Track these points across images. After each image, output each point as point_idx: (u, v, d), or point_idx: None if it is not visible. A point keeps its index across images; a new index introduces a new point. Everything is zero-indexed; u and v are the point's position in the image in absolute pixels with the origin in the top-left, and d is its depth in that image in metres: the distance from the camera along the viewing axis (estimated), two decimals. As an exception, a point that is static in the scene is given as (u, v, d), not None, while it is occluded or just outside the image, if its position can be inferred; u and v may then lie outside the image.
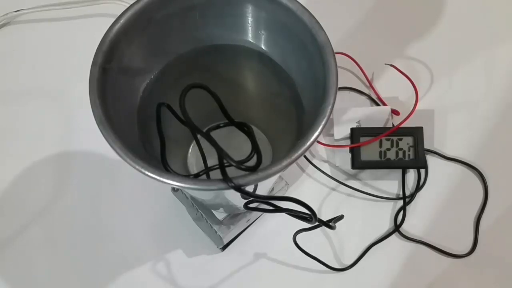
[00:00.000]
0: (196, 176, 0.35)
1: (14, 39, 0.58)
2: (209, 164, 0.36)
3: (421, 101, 0.53)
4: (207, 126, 0.32)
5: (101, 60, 0.31)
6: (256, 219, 0.49)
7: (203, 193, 0.39)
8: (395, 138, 0.50)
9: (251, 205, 0.31)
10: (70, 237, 0.50)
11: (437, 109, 0.54)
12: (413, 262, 0.48)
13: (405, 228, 0.49)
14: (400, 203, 0.50)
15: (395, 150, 0.50)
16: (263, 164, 0.28)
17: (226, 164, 0.28)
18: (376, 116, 0.52)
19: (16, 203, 0.51)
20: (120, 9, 0.32)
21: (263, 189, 0.40)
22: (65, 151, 0.53)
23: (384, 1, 0.59)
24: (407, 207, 0.50)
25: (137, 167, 0.27)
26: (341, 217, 0.36)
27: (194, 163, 0.48)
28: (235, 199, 0.36)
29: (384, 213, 0.50)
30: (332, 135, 0.52)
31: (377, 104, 0.54)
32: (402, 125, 0.49)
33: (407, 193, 0.50)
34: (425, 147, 0.50)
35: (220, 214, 0.46)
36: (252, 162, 0.28)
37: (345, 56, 0.54)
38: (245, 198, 0.29)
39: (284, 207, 0.30)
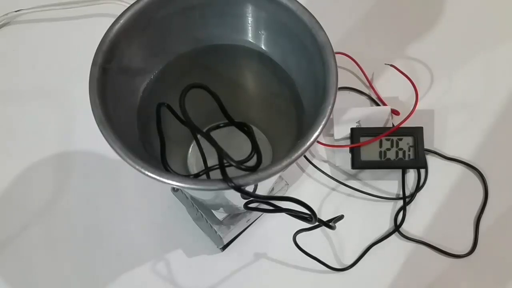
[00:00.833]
0: (196, 176, 0.35)
1: (14, 39, 0.58)
2: (209, 164, 0.36)
3: (421, 101, 0.53)
4: (207, 126, 0.32)
5: (101, 60, 0.31)
6: (256, 219, 0.49)
7: (203, 193, 0.39)
8: (395, 138, 0.50)
9: (251, 205, 0.31)
10: (70, 237, 0.50)
11: (437, 109, 0.54)
12: (413, 262, 0.48)
13: (405, 228, 0.49)
14: (400, 203, 0.50)
15: (395, 150, 0.50)
16: (263, 164, 0.28)
17: (226, 164, 0.28)
18: (376, 116, 0.52)
19: (16, 203, 0.51)
20: (120, 9, 0.32)
21: (263, 189, 0.40)
22: (65, 151, 0.53)
23: (384, 1, 0.59)
24: (407, 207, 0.50)
25: (137, 167, 0.27)
26: (341, 217, 0.36)
27: (194, 163, 0.48)
28: (235, 199, 0.36)
29: (384, 213, 0.50)
30: (332, 135, 0.52)
31: (377, 104, 0.54)
32: (402, 125, 0.49)
33: (407, 193, 0.50)
34: (425, 147, 0.50)
35: (220, 214, 0.46)
36: (252, 162, 0.28)
37: (345, 56, 0.54)
38: (245, 198, 0.29)
39: (284, 207, 0.30)
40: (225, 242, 0.47)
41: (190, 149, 0.49)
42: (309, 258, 0.46)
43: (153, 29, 0.34)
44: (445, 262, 0.48)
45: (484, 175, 0.51)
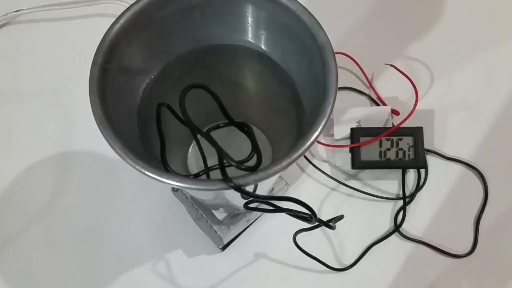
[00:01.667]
0: (196, 176, 0.35)
1: (14, 39, 0.58)
2: (209, 164, 0.36)
3: (421, 101, 0.53)
4: (207, 126, 0.32)
5: (101, 60, 0.31)
6: (256, 219, 0.49)
7: (203, 193, 0.39)
8: (395, 138, 0.50)
9: (251, 205, 0.31)
10: (70, 237, 0.50)
11: (437, 109, 0.54)
12: (413, 262, 0.48)
13: (405, 228, 0.49)
14: (400, 203, 0.50)
15: (395, 150, 0.50)
16: (263, 164, 0.28)
17: (226, 164, 0.28)
18: (376, 116, 0.52)
19: (16, 203, 0.51)
20: (120, 9, 0.32)
21: (263, 189, 0.40)
22: (65, 151, 0.53)
23: (384, 1, 0.59)
24: (407, 207, 0.50)
25: (137, 167, 0.27)
26: (341, 217, 0.36)
27: (194, 163, 0.48)
28: (235, 199, 0.36)
29: (384, 213, 0.50)
30: (332, 135, 0.52)
31: (377, 104, 0.54)
32: (402, 125, 0.49)
33: (407, 193, 0.50)
34: (425, 147, 0.50)
35: (220, 214, 0.46)
36: (252, 162, 0.28)
37: (345, 56, 0.54)
38: (245, 198, 0.29)
39: (284, 207, 0.30)
40: (225, 242, 0.47)
41: (190, 149, 0.49)
42: (309, 258, 0.46)
43: (153, 29, 0.34)
44: (445, 262, 0.48)
45: (484, 175, 0.51)
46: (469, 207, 0.50)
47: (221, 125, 0.32)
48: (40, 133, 0.53)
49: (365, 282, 0.48)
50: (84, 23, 0.58)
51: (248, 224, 0.48)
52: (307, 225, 0.32)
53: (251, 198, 0.28)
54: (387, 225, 0.50)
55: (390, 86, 0.54)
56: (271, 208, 0.30)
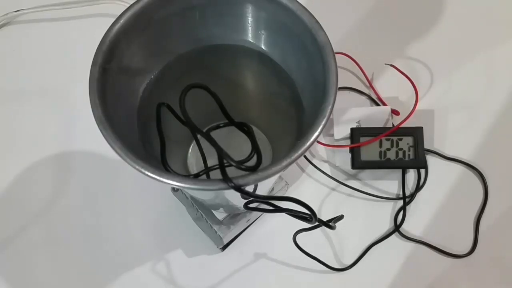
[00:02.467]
0: (196, 176, 0.35)
1: (14, 39, 0.58)
2: (209, 164, 0.36)
3: (421, 101, 0.53)
4: (207, 126, 0.32)
5: (101, 60, 0.31)
6: (256, 219, 0.49)
7: (203, 193, 0.39)
8: (395, 138, 0.50)
9: (251, 205, 0.31)
10: (70, 237, 0.50)
11: (437, 109, 0.54)
12: (413, 262, 0.48)
13: (405, 228, 0.49)
14: (400, 203, 0.50)
15: (395, 150, 0.50)
16: (263, 164, 0.28)
17: (226, 164, 0.28)
18: (376, 116, 0.52)
19: (16, 203, 0.51)
20: (120, 9, 0.32)
21: (263, 189, 0.40)
22: (65, 151, 0.53)
23: (384, 1, 0.59)
24: (407, 207, 0.50)
25: (137, 167, 0.27)
26: (341, 217, 0.36)
27: (194, 163, 0.48)
28: (235, 199, 0.36)
29: (384, 213, 0.50)
30: (332, 135, 0.52)
31: (377, 104, 0.54)
32: (402, 125, 0.49)
33: (407, 193, 0.50)
34: (425, 147, 0.50)
35: (220, 214, 0.46)
36: (252, 162, 0.28)
37: (345, 56, 0.54)
38: (245, 198, 0.29)
39: (284, 207, 0.30)
40: (225, 242, 0.47)
41: (190, 149, 0.49)
42: (309, 258, 0.46)
43: (153, 29, 0.34)
44: (445, 262, 0.48)
45: (484, 175, 0.51)
46: (469, 207, 0.50)
47: (221, 125, 0.33)
48: (40, 133, 0.53)
49: (365, 282, 0.48)
50: (84, 23, 0.58)
51: (248, 224, 0.48)
52: (307, 225, 0.32)
53: (251, 198, 0.28)
54: (387, 225, 0.50)
55: (390, 86, 0.54)
56: (271, 208, 0.30)
